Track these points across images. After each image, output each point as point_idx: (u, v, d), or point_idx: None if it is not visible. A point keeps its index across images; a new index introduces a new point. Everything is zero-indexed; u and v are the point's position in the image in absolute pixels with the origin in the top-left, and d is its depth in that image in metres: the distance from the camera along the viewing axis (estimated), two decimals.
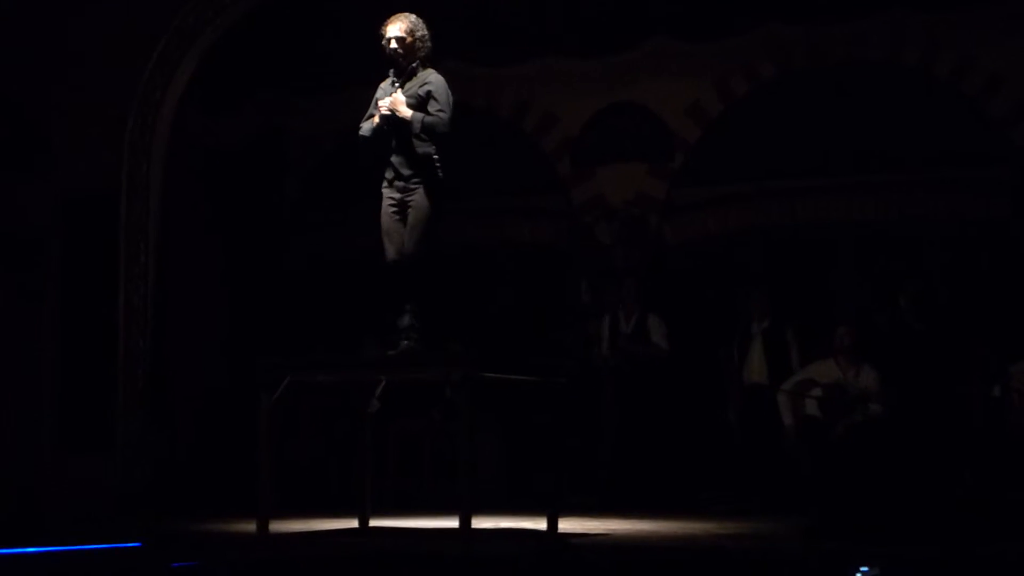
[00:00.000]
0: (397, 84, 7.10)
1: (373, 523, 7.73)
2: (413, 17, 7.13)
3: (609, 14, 11.33)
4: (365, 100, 7.39)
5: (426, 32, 7.15)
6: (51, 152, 10.48)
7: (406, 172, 7.06)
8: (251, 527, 7.27)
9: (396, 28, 7.10)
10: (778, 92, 11.51)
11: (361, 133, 7.20)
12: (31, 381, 10.41)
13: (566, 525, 7.68)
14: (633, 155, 11.84)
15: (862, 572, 5.37)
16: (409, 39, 7.10)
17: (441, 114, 7.04)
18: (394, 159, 7.09)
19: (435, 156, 7.05)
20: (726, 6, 11.12)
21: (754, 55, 11.54)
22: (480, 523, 7.30)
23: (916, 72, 11.12)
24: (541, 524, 7.57)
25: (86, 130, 10.36)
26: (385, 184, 7.14)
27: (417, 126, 7.01)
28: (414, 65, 7.15)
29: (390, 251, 7.11)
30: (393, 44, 7.09)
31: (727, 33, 11.41)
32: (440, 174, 7.06)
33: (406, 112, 7.01)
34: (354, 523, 7.74)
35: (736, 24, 11.33)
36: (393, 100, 7.03)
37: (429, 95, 7.07)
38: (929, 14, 10.87)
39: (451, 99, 7.12)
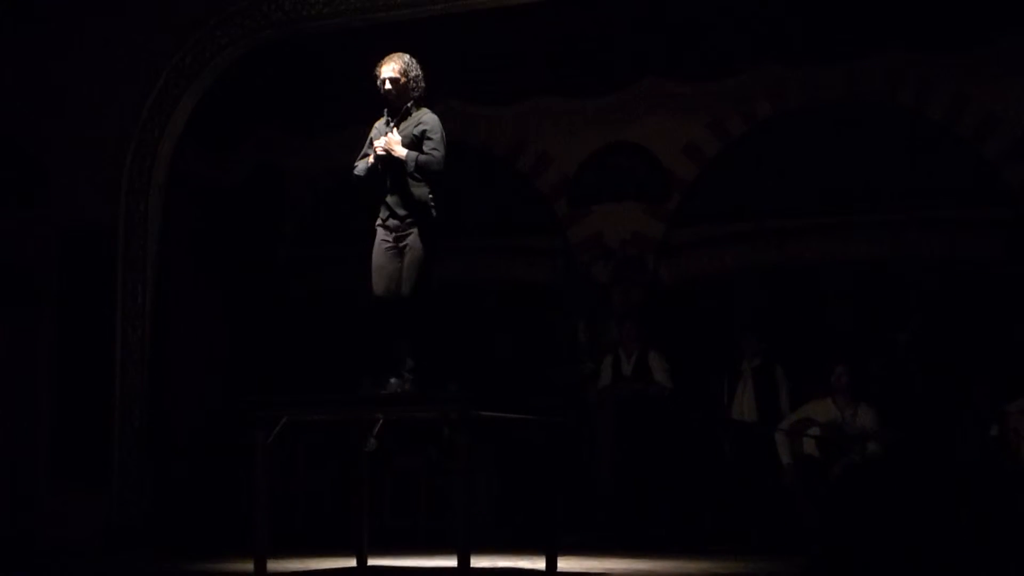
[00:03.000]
0: (392, 124, 7.12)
1: (371, 562, 7.70)
2: (407, 57, 7.15)
3: (605, 54, 11.38)
4: (362, 138, 7.41)
5: (420, 72, 7.17)
6: (49, 187, 10.52)
7: (401, 212, 7.06)
8: (248, 566, 7.24)
9: (390, 68, 7.12)
10: (774, 132, 11.55)
11: (355, 173, 7.21)
12: (27, 415, 10.41)
13: (564, 564, 7.65)
14: (629, 195, 11.87)
15: None
16: (403, 79, 7.12)
17: (435, 153, 7.05)
18: (389, 199, 7.10)
19: (430, 196, 7.07)
20: (722, 46, 11.17)
21: (750, 95, 11.59)
22: (478, 562, 7.28)
23: (911, 112, 11.17)
24: (539, 563, 7.55)
25: (85, 166, 10.43)
26: (379, 223, 7.15)
27: (411, 165, 7.02)
28: (408, 105, 7.15)
29: (379, 286, 7.09)
30: (387, 85, 7.11)
31: (723, 73, 11.47)
32: (435, 214, 7.08)
33: (401, 152, 7.02)
34: (352, 562, 7.70)
35: (732, 64, 11.39)
36: (388, 140, 7.04)
37: (424, 134, 7.08)
38: (924, 55, 10.93)
39: (445, 138, 7.14)
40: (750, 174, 11.49)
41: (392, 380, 6.95)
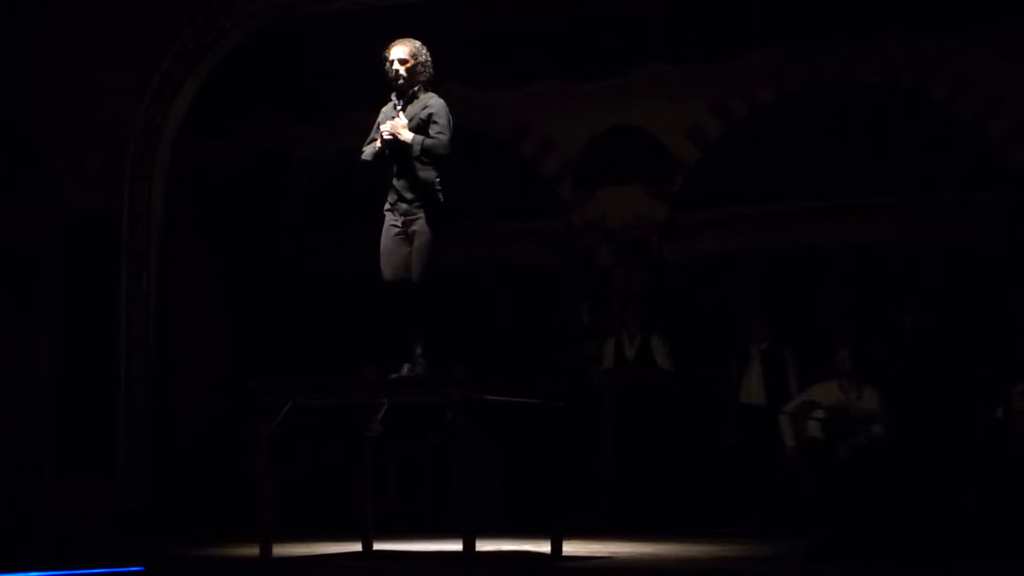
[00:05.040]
0: (399, 108, 7.13)
1: (376, 547, 7.72)
2: (417, 42, 7.18)
3: (608, 37, 11.37)
4: (365, 123, 7.41)
5: (428, 57, 7.18)
6: (51, 175, 10.50)
7: (409, 196, 7.07)
8: (254, 551, 7.25)
9: (399, 51, 7.13)
10: (776, 115, 11.54)
11: (363, 158, 7.22)
12: (32, 402, 10.42)
13: (568, 548, 7.66)
14: (632, 178, 11.87)
15: None
16: (411, 62, 7.13)
17: (441, 136, 7.06)
18: (397, 183, 7.11)
19: (437, 179, 7.07)
20: (725, 29, 11.16)
21: (753, 78, 11.58)
22: (482, 546, 7.28)
23: (913, 95, 11.16)
24: (543, 547, 7.56)
25: (87, 153, 10.41)
26: (387, 207, 7.16)
27: (417, 149, 7.03)
28: (415, 89, 7.17)
29: (387, 271, 7.11)
30: (396, 66, 7.12)
31: (726, 56, 11.46)
32: (441, 198, 7.09)
33: (407, 136, 7.03)
34: (357, 547, 7.73)
35: (735, 47, 11.37)
36: (393, 125, 7.05)
37: (430, 118, 7.09)
38: (925, 37, 10.91)
39: (452, 122, 7.14)
40: (753, 157, 11.50)
41: (406, 366, 6.96)
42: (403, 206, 7.09)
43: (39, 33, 10.57)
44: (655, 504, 10.26)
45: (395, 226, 7.11)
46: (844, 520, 8.03)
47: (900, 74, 11.19)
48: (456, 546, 6.75)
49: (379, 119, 7.23)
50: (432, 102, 7.15)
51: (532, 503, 9.92)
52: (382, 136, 7.08)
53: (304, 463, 11.27)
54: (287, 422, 7.11)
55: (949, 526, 7.50)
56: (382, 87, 7.26)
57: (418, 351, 6.98)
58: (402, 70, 7.11)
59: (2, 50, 10.59)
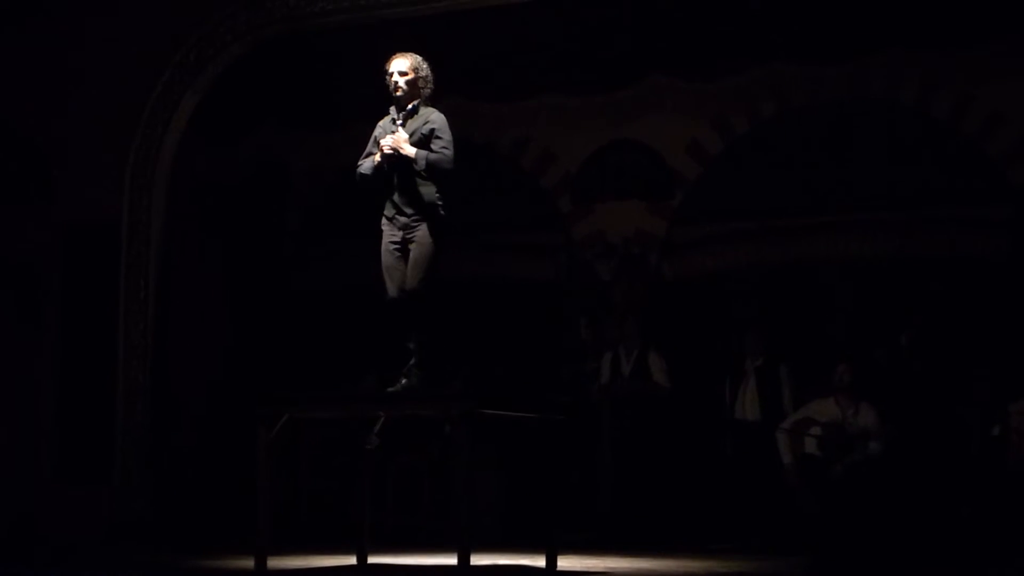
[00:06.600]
0: (399, 122, 7.12)
1: (372, 559, 7.71)
2: (418, 56, 7.17)
3: (609, 52, 11.38)
4: (367, 135, 7.41)
5: (429, 72, 7.18)
6: (53, 183, 10.52)
7: (408, 211, 7.05)
8: (249, 563, 7.25)
9: (400, 63, 7.13)
10: (777, 130, 11.55)
11: (360, 171, 7.20)
12: (30, 409, 10.42)
13: (565, 562, 7.66)
14: (633, 192, 11.87)
15: None
16: (412, 75, 7.13)
17: (445, 151, 7.05)
18: (396, 198, 7.08)
19: (438, 195, 7.07)
20: (726, 44, 11.17)
21: (754, 93, 11.59)
22: (478, 560, 7.29)
23: (914, 111, 11.17)
24: (539, 561, 7.56)
25: (88, 162, 10.43)
26: (385, 222, 7.14)
27: (421, 163, 7.02)
28: (416, 103, 7.17)
29: (391, 288, 7.10)
30: (396, 78, 7.11)
31: (727, 71, 11.47)
32: (442, 213, 7.08)
33: (410, 150, 7.02)
34: (352, 559, 7.72)
35: (736, 62, 11.39)
36: (395, 139, 7.03)
37: (432, 133, 7.08)
38: (927, 53, 10.92)
39: (452, 137, 7.15)
40: (753, 172, 11.50)
41: (403, 381, 6.95)
42: (402, 220, 7.07)
43: (43, 43, 10.60)
44: (653, 519, 10.24)
45: (394, 242, 7.09)
46: (840, 536, 8.04)
47: (901, 90, 11.20)
48: (452, 560, 6.74)
49: (376, 133, 7.22)
50: (434, 117, 7.15)
51: (530, 517, 9.92)
52: (382, 150, 7.07)
53: (303, 475, 11.26)
54: (286, 433, 7.11)
55: (945, 543, 7.51)
56: (383, 100, 7.26)
57: (415, 362, 6.97)
58: (402, 82, 7.11)
59: (5, 59, 10.62)
